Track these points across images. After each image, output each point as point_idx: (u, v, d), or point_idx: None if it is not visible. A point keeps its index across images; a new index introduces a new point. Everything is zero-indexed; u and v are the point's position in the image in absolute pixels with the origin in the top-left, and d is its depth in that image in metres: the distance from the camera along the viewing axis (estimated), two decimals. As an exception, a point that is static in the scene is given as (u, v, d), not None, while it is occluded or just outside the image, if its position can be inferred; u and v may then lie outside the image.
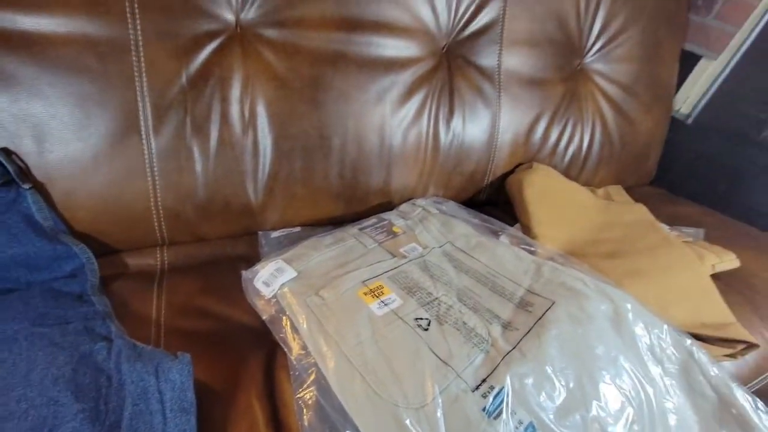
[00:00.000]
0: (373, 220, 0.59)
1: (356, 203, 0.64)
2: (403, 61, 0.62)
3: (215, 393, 0.36)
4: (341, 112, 0.59)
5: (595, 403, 0.37)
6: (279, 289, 0.43)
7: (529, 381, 0.37)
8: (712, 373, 0.43)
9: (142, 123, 0.49)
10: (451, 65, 0.67)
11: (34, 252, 0.44)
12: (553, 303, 0.46)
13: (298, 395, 0.35)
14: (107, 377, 0.34)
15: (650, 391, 0.40)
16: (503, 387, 0.36)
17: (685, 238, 0.68)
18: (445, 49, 0.67)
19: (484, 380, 0.37)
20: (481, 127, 0.71)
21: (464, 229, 0.60)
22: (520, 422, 0.34)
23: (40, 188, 0.47)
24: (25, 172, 0.45)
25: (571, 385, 0.39)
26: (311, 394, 0.35)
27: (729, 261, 0.61)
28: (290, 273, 0.45)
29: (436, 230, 0.59)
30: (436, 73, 0.66)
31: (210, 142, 0.53)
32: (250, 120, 0.54)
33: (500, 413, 0.34)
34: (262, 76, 0.54)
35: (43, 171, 0.47)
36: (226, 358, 0.40)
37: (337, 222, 0.65)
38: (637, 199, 0.88)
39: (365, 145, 0.61)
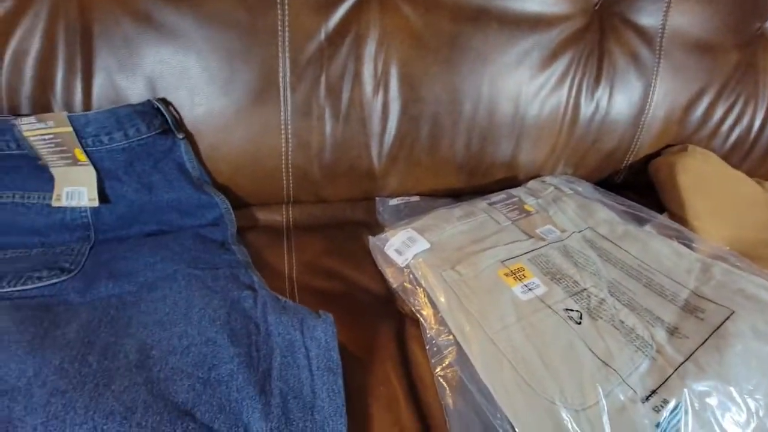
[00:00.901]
0: (502, 195, 0.55)
1: (479, 176, 0.60)
2: (549, 19, 0.55)
3: (355, 358, 0.35)
4: (476, 76, 0.54)
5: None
6: (413, 259, 0.41)
7: (712, 401, 0.31)
8: None
9: (281, 80, 0.49)
10: (605, 25, 0.58)
11: (186, 198, 0.46)
12: (733, 312, 0.38)
13: (438, 372, 0.33)
14: (255, 325, 0.35)
15: None
16: (680, 403, 0.31)
17: None
18: (598, 5, 0.58)
19: (654, 391, 0.31)
20: (631, 99, 0.61)
21: (606, 214, 0.53)
22: (700, 447, 0.29)
23: (189, 139, 0.49)
24: (179, 123, 0.48)
25: (761, 413, 0.32)
26: (453, 373, 0.33)
27: None
28: (423, 243, 0.43)
29: (573, 213, 0.53)
30: (586, 33, 0.57)
31: (341, 102, 0.52)
32: (382, 80, 0.52)
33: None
34: (398, 33, 0.51)
35: (192, 123, 0.49)
36: (359, 323, 0.39)
37: (456, 194, 0.61)
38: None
39: (497, 113, 0.56)
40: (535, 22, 0.55)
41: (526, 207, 0.52)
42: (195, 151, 0.49)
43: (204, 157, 0.50)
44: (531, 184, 0.59)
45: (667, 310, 0.39)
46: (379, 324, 0.39)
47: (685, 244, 0.48)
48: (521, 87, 0.56)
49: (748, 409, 0.32)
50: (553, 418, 0.29)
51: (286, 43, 0.48)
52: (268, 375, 0.31)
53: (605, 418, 0.29)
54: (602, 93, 0.59)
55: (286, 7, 0.47)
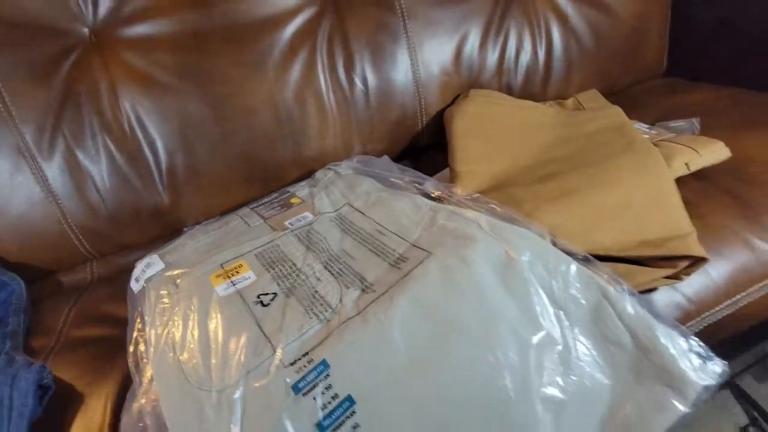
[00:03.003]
0: (274, 194, 0.57)
1: (271, 181, 0.62)
2: (276, 18, 0.57)
3: (72, 394, 0.38)
4: (220, 94, 0.56)
5: (447, 370, 0.32)
6: (144, 283, 0.44)
7: (363, 350, 0.33)
8: (630, 312, 0.34)
9: (27, 155, 0.52)
10: (339, 5, 0.60)
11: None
12: (429, 255, 0.39)
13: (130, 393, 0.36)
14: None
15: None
16: (324, 359, 0.32)
17: (664, 136, 0.53)
18: (329, -8, 0.60)
19: (306, 354, 0.33)
20: (396, 66, 0.63)
21: (368, 186, 0.54)
22: (334, 397, 0.30)
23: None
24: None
25: (418, 353, 0.33)
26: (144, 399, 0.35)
27: (711, 154, 0.47)
28: (158, 266, 0.45)
29: (339, 193, 0.54)
30: (322, 20, 0.60)
31: (101, 156, 0.55)
32: (131, 125, 0.55)
33: (312, 388, 0.31)
34: (127, 79, 0.54)
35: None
36: (97, 361, 0.42)
37: (258, 204, 0.63)
38: (635, 95, 0.73)
39: (256, 120, 0.58)
40: (262, 26, 0.57)
41: (292, 200, 0.54)
42: (-26, 240, 0.53)
43: (-16, 242, 0.54)
44: (317, 173, 0.60)
45: (377, 269, 0.41)
46: (118, 358, 0.42)
47: (439, 196, 0.49)
48: (271, 88, 0.58)
49: (402, 350, 0.33)
50: (197, 404, 0.31)
51: (17, 123, 0.52)
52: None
53: (238, 394, 0.31)
54: (361, 69, 0.61)
55: (2, 90, 0.51)
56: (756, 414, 0.69)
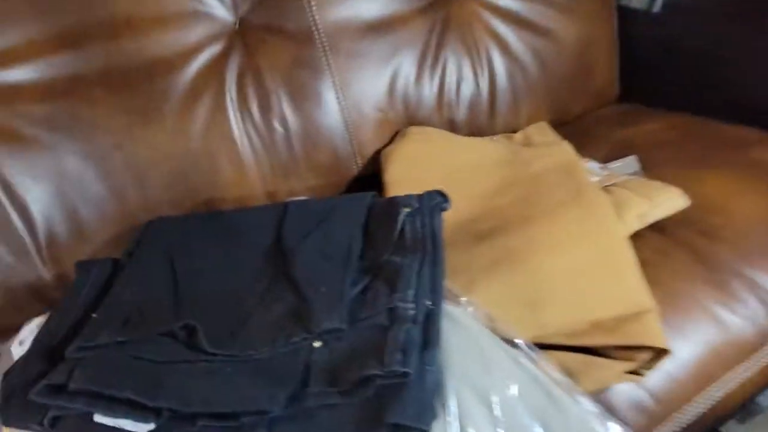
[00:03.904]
0: None
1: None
2: (173, 58, 0.49)
3: None
4: (103, 145, 0.47)
5: None
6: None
7: None
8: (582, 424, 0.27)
9: None
10: (249, 41, 0.53)
11: None
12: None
13: None
14: None
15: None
16: None
17: (616, 179, 0.48)
18: (237, 24, 0.52)
19: None
20: (320, 105, 0.55)
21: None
22: None
23: None
24: None
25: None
26: None
27: (667, 202, 0.41)
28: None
29: None
30: (229, 57, 0.52)
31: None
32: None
33: None
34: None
35: None
36: None
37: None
38: (587, 126, 0.68)
39: (152, 174, 0.49)
40: (155, 68, 0.48)
41: None
42: None
43: None
44: None
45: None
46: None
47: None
48: (170, 137, 0.50)
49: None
50: None
51: None
52: None
53: None
54: (280, 110, 0.54)
55: None
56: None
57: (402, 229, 0.36)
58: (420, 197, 0.39)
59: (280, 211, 0.41)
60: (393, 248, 0.35)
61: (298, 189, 0.57)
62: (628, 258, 0.36)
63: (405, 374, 0.27)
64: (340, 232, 0.37)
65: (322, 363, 0.29)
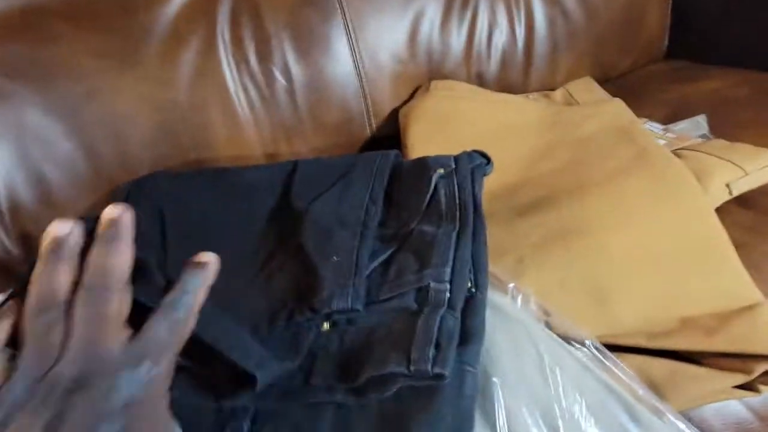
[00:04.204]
0: None
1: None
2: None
3: None
4: (73, 94, 0.39)
5: None
6: None
7: None
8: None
9: None
10: (245, -27, 0.44)
11: None
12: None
13: None
14: None
15: None
16: None
17: (687, 142, 0.40)
18: (230, -50, 0.44)
19: None
20: (329, 53, 0.47)
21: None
22: None
23: None
24: None
25: None
26: None
27: (761, 170, 0.33)
28: None
29: None
30: (220, -8, 0.43)
31: None
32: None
33: None
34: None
35: None
36: None
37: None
38: (636, 83, 0.59)
39: (132, 129, 0.41)
40: (125, 8, 0.40)
41: None
42: None
43: None
44: None
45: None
46: None
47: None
48: (152, 87, 0.42)
49: None
50: None
51: None
52: None
53: None
54: (283, 58, 0.45)
55: None
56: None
57: (434, 194, 0.29)
58: (456, 158, 0.32)
59: (289, 169, 0.35)
60: (423, 215, 0.29)
61: (302, 151, 0.50)
62: (722, 237, 0.29)
63: (438, 376, 0.20)
64: (357, 194, 0.31)
65: (331, 351, 0.23)
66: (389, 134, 0.52)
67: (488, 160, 0.32)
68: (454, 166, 0.31)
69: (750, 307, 0.24)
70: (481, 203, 0.29)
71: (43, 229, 0.42)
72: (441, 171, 0.30)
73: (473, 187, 0.30)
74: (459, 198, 0.29)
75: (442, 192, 0.29)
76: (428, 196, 0.29)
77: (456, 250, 0.26)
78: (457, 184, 0.30)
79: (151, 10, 0.41)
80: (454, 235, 0.27)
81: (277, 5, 0.45)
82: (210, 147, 0.45)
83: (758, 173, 0.33)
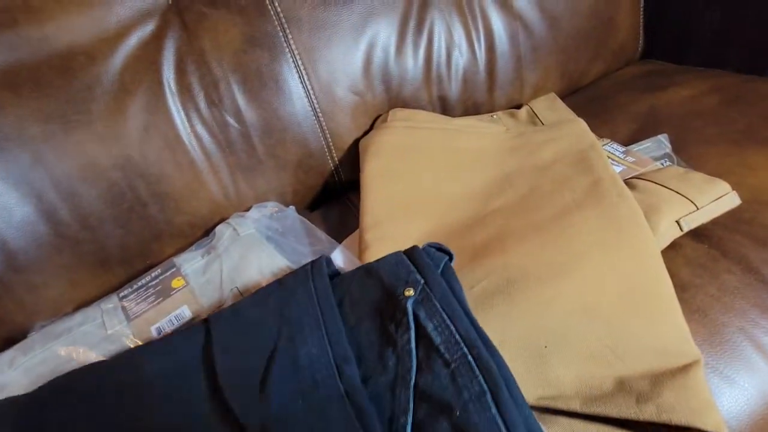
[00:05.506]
0: (156, 270, 0.41)
1: (137, 259, 0.46)
2: (89, 47, 0.40)
3: None
4: (19, 158, 0.40)
5: None
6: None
7: None
8: None
9: None
10: (186, 16, 0.43)
11: None
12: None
13: None
14: None
15: None
16: None
17: (644, 168, 0.39)
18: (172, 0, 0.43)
19: None
20: (281, 92, 0.46)
21: (256, 272, 0.39)
22: None
23: None
24: None
25: None
26: None
27: (713, 205, 0.32)
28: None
29: (228, 270, 0.39)
30: (164, 39, 0.42)
31: None
32: None
33: None
34: None
35: None
36: None
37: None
38: (607, 93, 0.58)
39: (86, 187, 0.41)
40: (71, 60, 0.40)
41: (174, 283, 0.39)
42: None
43: None
44: (217, 229, 0.44)
45: None
46: None
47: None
48: (108, 146, 0.41)
49: None
50: None
51: None
52: None
53: None
54: (233, 102, 0.45)
55: None
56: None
57: (418, 329, 0.23)
58: (420, 268, 0.25)
59: (201, 342, 0.26)
60: (420, 366, 0.22)
61: (266, 191, 0.50)
62: (665, 286, 0.28)
63: None
64: (316, 355, 0.23)
65: None
66: (353, 163, 0.51)
67: (448, 253, 0.28)
68: (422, 280, 0.25)
69: (683, 369, 0.24)
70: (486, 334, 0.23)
71: (16, 297, 0.43)
72: (410, 292, 0.24)
73: (461, 301, 0.24)
74: (454, 328, 0.22)
75: (430, 326, 0.23)
76: (412, 334, 0.23)
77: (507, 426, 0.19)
78: (443, 309, 0.23)
79: (92, 67, 0.40)
80: (489, 400, 0.20)
81: (222, 48, 0.44)
82: (170, 197, 0.45)
83: (709, 207, 0.32)
